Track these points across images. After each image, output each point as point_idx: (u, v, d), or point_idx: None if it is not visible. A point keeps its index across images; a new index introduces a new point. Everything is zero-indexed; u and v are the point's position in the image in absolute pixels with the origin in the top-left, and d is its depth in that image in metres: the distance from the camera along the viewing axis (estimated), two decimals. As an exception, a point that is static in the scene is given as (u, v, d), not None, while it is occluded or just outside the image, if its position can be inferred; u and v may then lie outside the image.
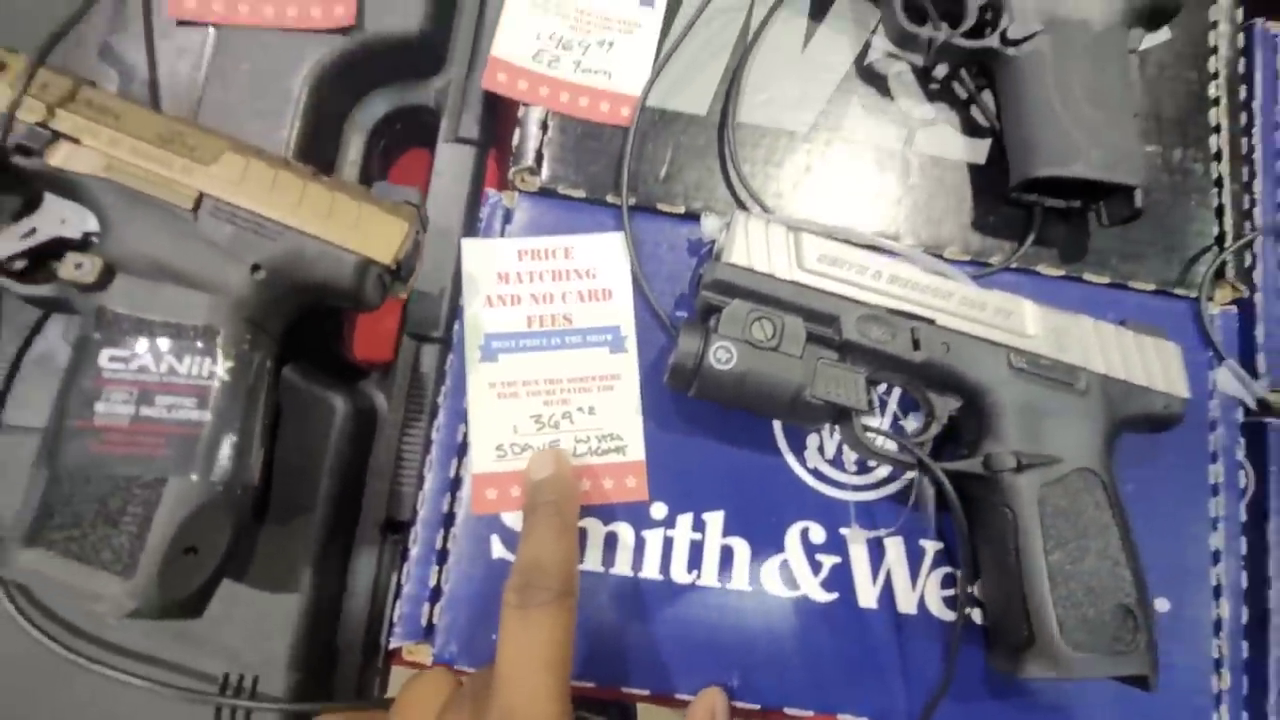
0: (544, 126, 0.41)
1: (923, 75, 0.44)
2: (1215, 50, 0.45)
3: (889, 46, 0.44)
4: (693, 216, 0.40)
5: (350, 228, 0.31)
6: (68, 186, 0.30)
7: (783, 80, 0.43)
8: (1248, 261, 0.42)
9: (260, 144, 0.34)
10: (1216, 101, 0.44)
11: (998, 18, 0.41)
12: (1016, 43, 0.40)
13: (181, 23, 0.37)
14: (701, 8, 0.42)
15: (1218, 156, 0.44)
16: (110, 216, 0.29)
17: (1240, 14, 0.46)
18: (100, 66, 0.36)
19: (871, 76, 0.44)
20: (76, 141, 0.30)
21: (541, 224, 0.40)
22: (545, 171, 0.41)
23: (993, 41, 0.40)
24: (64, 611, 0.31)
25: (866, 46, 0.44)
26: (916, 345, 0.35)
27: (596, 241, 0.40)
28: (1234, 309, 0.42)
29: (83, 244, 0.30)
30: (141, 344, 0.27)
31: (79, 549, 0.25)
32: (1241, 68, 0.45)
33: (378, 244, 0.31)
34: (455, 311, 0.39)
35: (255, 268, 0.30)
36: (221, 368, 0.28)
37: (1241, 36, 0.45)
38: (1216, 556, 0.38)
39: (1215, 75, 0.45)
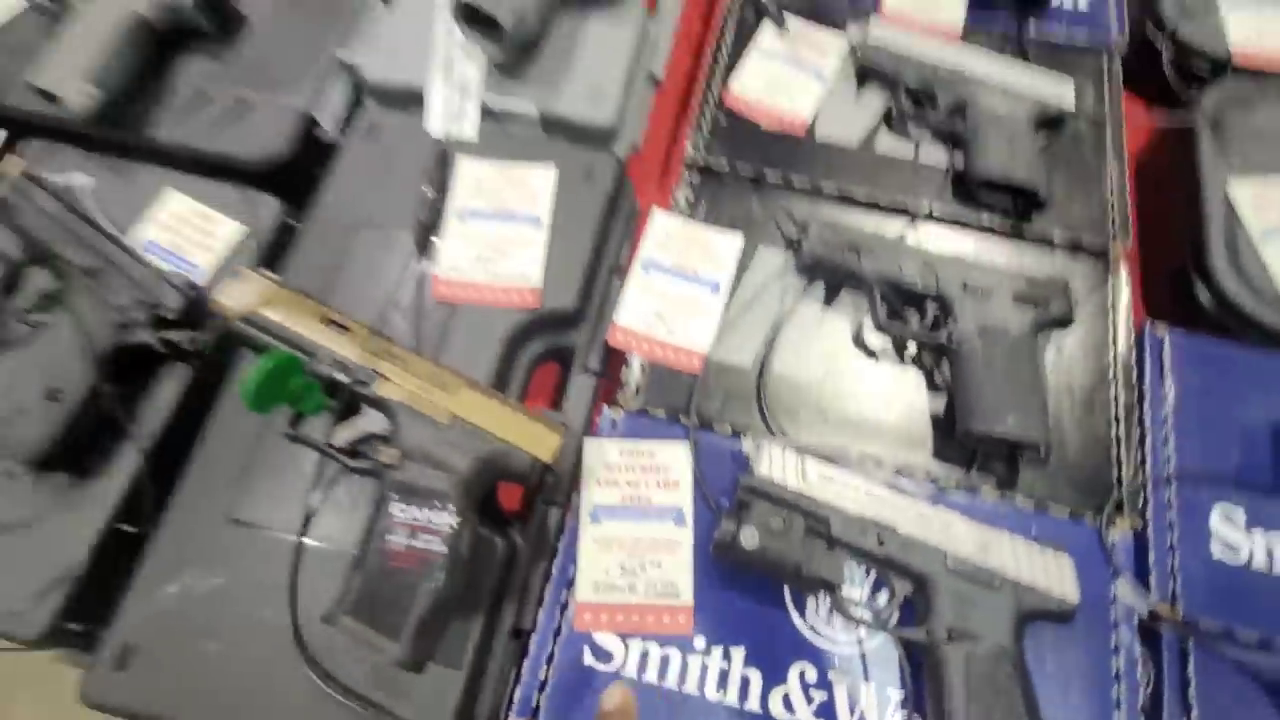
0: (643, 369, 0.64)
1: (898, 349, 0.65)
2: (1115, 341, 0.64)
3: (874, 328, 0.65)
4: (737, 434, 0.60)
5: (528, 437, 0.53)
6: (381, 406, 0.53)
7: (802, 347, 0.65)
8: (1140, 501, 0.58)
9: (475, 376, 0.57)
10: (1115, 379, 0.63)
11: (948, 315, 0.62)
12: (959, 341, 0.60)
13: (440, 302, 0.64)
14: (750, 301, 0.66)
15: (1117, 419, 0.61)
16: (402, 425, 0.52)
17: (1133, 315, 0.65)
18: (390, 326, 0.62)
19: (863, 346, 0.65)
20: (386, 378, 0.54)
21: (635, 432, 0.61)
22: (641, 398, 0.62)
23: (942, 338, 0.61)
24: (327, 665, 0.50)
25: (860, 326, 0.66)
26: (881, 543, 0.52)
27: (671, 448, 0.60)
28: (1130, 535, 0.57)
29: (382, 438, 0.53)
30: (414, 501, 0.48)
31: (371, 621, 0.45)
32: (1134, 356, 0.64)
33: (543, 448, 0.53)
34: (575, 487, 0.59)
35: (475, 459, 0.51)
36: (454, 520, 0.48)
37: (1133, 335, 0.64)
38: (1120, 731, 0.50)
39: (1114, 360, 0.63)
